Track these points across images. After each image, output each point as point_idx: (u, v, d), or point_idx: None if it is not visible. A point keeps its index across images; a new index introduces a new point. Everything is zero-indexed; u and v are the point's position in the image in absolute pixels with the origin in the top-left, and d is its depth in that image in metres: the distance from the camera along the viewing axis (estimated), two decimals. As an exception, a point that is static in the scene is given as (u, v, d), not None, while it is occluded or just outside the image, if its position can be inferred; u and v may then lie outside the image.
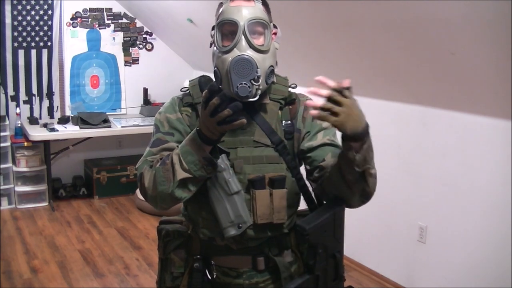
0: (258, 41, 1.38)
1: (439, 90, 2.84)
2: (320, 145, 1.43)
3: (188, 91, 1.50)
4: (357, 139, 1.21)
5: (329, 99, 1.18)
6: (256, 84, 1.34)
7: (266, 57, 1.37)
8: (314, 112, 1.18)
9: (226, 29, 1.38)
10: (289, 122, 1.47)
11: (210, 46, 1.46)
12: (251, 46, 1.35)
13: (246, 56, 1.33)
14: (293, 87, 1.52)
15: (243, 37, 1.35)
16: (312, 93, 1.19)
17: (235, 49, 1.35)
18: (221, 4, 1.43)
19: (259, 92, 1.37)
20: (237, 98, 1.31)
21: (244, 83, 1.32)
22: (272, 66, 1.40)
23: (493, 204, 2.68)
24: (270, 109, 1.45)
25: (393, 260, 3.37)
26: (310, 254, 1.33)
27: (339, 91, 1.18)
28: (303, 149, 1.45)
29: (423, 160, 3.09)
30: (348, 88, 1.19)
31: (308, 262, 1.33)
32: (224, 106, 1.19)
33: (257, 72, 1.33)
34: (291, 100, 1.49)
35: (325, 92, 1.18)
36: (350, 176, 1.27)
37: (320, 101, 1.20)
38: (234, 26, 1.36)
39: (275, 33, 1.45)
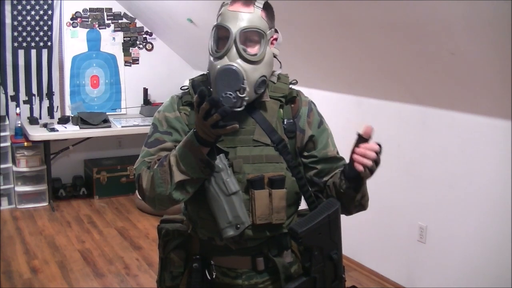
0: (252, 50, 1.35)
1: (439, 90, 2.84)
2: (331, 157, 1.48)
3: (187, 89, 1.49)
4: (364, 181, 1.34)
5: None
6: (241, 95, 1.32)
7: (258, 68, 1.35)
8: (360, 168, 1.26)
9: (221, 33, 1.37)
10: (291, 120, 1.45)
11: None
12: (240, 56, 1.33)
13: (233, 67, 1.31)
14: (293, 83, 1.51)
15: (233, 46, 1.33)
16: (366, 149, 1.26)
17: (225, 57, 1.33)
18: (223, 4, 1.41)
19: (245, 102, 1.34)
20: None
21: (229, 94, 1.30)
22: (264, 76, 1.38)
23: (493, 204, 2.68)
24: (270, 108, 1.44)
25: (393, 260, 3.37)
26: (305, 256, 1.33)
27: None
28: (315, 154, 1.47)
29: (423, 160, 3.09)
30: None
31: (304, 264, 1.33)
32: (215, 110, 1.18)
33: (243, 84, 1.31)
34: (291, 98, 1.48)
35: (373, 155, 1.25)
36: (349, 205, 1.40)
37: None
38: (227, 32, 1.35)
39: (275, 39, 1.43)
